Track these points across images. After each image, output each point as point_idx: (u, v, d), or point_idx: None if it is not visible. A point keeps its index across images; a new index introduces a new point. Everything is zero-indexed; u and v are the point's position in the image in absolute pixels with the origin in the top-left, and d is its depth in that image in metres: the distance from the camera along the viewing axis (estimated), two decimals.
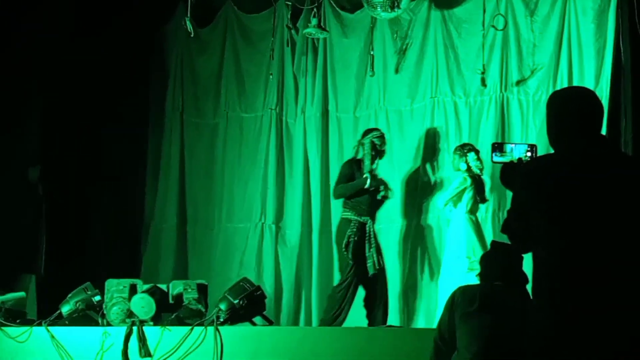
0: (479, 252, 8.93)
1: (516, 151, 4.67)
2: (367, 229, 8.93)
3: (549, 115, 4.26)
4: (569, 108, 4.20)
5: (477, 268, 8.69)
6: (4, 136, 9.91)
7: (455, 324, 5.52)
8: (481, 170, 9.19)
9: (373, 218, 9.08)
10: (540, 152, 4.70)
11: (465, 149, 9.21)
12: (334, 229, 10.19)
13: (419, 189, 9.93)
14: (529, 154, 4.65)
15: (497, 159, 4.66)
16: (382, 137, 9.14)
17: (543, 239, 4.04)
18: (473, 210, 9.16)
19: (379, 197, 9.09)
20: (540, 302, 4.02)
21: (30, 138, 10.32)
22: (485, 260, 5.86)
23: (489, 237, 9.46)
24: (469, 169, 9.14)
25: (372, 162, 9.02)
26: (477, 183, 9.19)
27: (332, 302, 9.05)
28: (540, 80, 9.52)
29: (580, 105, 4.19)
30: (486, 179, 9.52)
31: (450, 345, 5.56)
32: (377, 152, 9.06)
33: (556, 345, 3.89)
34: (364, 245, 8.91)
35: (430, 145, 9.93)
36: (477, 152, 9.22)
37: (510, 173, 4.47)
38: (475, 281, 8.73)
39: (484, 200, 9.28)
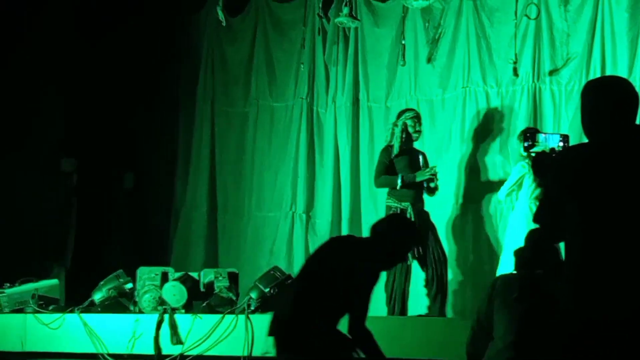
0: None
1: (549, 141, 4.66)
2: (408, 215, 8.57)
3: (583, 104, 4.24)
4: (604, 97, 4.17)
5: None
6: (36, 124, 9.98)
7: (494, 312, 5.51)
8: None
9: (417, 202, 8.70)
10: (573, 142, 4.68)
11: (527, 133, 9.01)
12: (363, 218, 10.21)
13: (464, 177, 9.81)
14: (561, 143, 4.64)
15: (532, 143, 4.65)
16: (415, 117, 8.84)
17: (576, 229, 4.03)
18: (537, 196, 8.96)
19: (431, 185, 8.75)
20: (569, 290, 4.02)
21: (58, 126, 10.39)
22: (521, 250, 5.84)
23: None
24: (529, 156, 8.97)
25: (404, 145, 8.78)
26: None
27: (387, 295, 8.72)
28: (573, 70, 9.43)
29: (616, 94, 4.16)
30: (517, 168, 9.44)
31: (487, 332, 5.54)
32: (408, 134, 8.78)
33: (577, 311, 3.90)
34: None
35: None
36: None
37: (543, 162, 4.45)
38: None
39: None
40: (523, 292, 5.46)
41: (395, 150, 8.73)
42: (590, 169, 4.04)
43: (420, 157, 8.94)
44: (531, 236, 5.79)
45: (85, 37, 10.41)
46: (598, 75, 9.19)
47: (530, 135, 4.67)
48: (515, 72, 9.38)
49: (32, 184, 10.10)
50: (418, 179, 8.64)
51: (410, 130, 8.79)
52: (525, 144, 4.70)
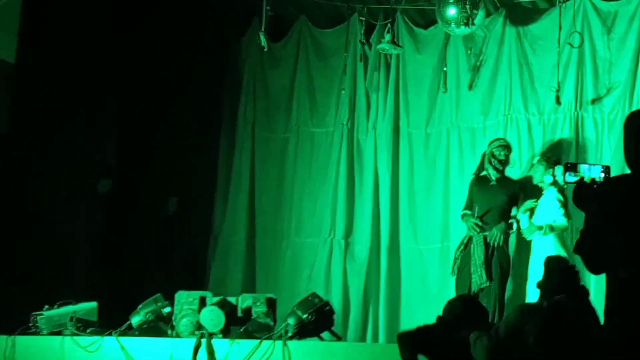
0: None
1: (590, 171, 4.61)
2: (471, 244, 8.90)
3: (626, 134, 4.19)
4: None
5: None
6: (82, 147, 10.06)
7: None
8: (565, 186, 9.01)
9: (486, 230, 8.96)
10: (615, 172, 4.63)
11: (552, 160, 9.05)
12: (402, 245, 10.18)
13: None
14: (602, 174, 4.59)
15: (570, 178, 4.62)
16: (501, 147, 9.11)
17: (622, 260, 3.97)
18: (528, 209, 9.01)
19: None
20: (614, 322, 3.95)
21: (106, 149, 10.46)
22: (543, 277, 5.79)
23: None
24: (554, 182, 8.95)
25: (493, 173, 9.00)
26: (566, 199, 8.92)
27: None
28: (616, 99, 9.36)
29: None
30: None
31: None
32: (495, 165, 9.04)
33: None
34: (469, 261, 8.89)
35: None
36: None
37: (584, 193, 4.41)
38: None
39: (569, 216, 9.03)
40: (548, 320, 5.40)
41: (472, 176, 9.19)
42: (634, 200, 3.98)
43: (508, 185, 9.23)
44: (551, 263, 5.75)
45: (127, 61, 10.48)
46: None
47: (571, 166, 4.63)
48: (558, 100, 9.32)
49: (72, 205, 10.16)
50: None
51: (493, 160, 9.11)
52: (567, 175, 4.65)
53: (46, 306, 8.50)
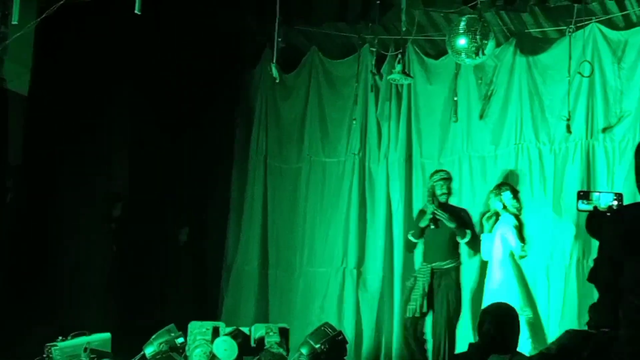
0: (524, 300, 8.89)
1: (602, 199, 4.63)
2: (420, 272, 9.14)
3: (637, 163, 4.20)
4: None
5: (525, 315, 8.65)
6: (94, 177, 10.09)
7: None
8: (519, 210, 9.21)
9: (429, 263, 9.16)
10: (627, 200, 4.64)
11: (501, 188, 9.19)
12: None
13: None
14: (615, 202, 4.61)
15: (582, 206, 4.64)
16: (443, 179, 9.27)
17: (636, 288, 3.97)
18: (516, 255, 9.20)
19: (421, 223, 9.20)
20: (626, 350, 3.95)
21: (119, 180, 10.49)
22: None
23: (572, 287, 9.33)
24: (504, 208, 9.09)
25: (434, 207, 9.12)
26: (520, 223, 9.23)
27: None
28: (626, 127, 9.38)
29: None
30: (569, 225, 9.41)
31: None
32: (436, 197, 9.21)
33: None
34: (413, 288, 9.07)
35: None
36: (515, 191, 9.20)
37: (597, 221, 4.43)
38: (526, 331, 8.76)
39: (523, 240, 9.23)
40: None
41: (427, 216, 9.21)
42: None
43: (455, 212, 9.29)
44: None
45: (140, 93, 10.54)
46: None
47: (583, 194, 4.65)
48: (569, 129, 9.33)
49: (85, 235, 10.18)
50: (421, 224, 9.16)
51: (437, 192, 9.24)
52: (579, 203, 4.68)
53: (60, 337, 8.50)
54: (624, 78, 9.42)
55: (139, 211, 10.65)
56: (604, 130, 9.47)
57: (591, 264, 8.92)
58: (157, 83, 10.61)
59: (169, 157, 10.94)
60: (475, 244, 9.32)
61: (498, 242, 9.13)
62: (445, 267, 9.12)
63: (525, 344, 8.41)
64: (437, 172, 9.43)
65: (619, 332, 4.06)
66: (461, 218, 9.25)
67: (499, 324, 5.58)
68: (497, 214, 9.24)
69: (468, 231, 9.21)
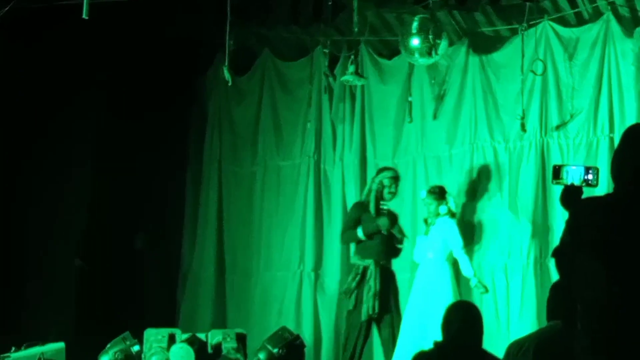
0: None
1: (575, 174, 4.62)
2: (369, 272, 8.86)
3: (615, 151, 4.18)
4: (629, 144, 4.10)
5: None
6: (55, 187, 10.02)
7: None
8: (455, 214, 9.27)
9: (381, 260, 8.97)
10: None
11: (445, 193, 9.19)
12: None
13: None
14: (589, 176, 4.59)
15: (556, 181, 4.62)
16: (393, 177, 9.11)
17: (591, 280, 3.93)
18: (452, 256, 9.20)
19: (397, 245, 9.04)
20: (584, 344, 3.92)
21: (80, 188, 10.41)
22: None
23: (530, 286, 9.35)
24: (449, 211, 9.12)
25: (377, 205, 8.98)
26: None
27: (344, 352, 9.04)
28: (580, 124, 9.42)
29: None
30: (525, 224, 9.43)
31: None
32: (382, 197, 9.04)
33: None
34: (363, 290, 8.90)
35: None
36: (452, 196, 9.30)
37: (571, 196, 4.42)
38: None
39: None
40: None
41: (372, 211, 8.98)
42: (611, 222, 3.94)
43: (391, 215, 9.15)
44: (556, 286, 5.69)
45: (91, 99, 10.45)
46: (606, 128, 9.23)
47: (558, 168, 4.64)
48: (523, 127, 9.37)
49: (42, 243, 10.09)
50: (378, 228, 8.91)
51: (385, 190, 9.05)
52: (553, 178, 4.67)
53: (13, 348, 8.39)
54: (577, 75, 9.46)
55: (99, 218, 10.55)
56: (558, 127, 9.50)
57: (549, 262, 9.04)
58: (113, 90, 10.51)
59: (127, 163, 10.84)
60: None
61: (436, 245, 9.09)
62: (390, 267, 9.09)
63: None
64: (386, 169, 9.28)
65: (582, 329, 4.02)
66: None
67: (469, 322, 5.53)
68: (437, 216, 9.21)
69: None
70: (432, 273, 9.04)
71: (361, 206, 9.14)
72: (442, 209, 9.17)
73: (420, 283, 9.09)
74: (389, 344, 8.90)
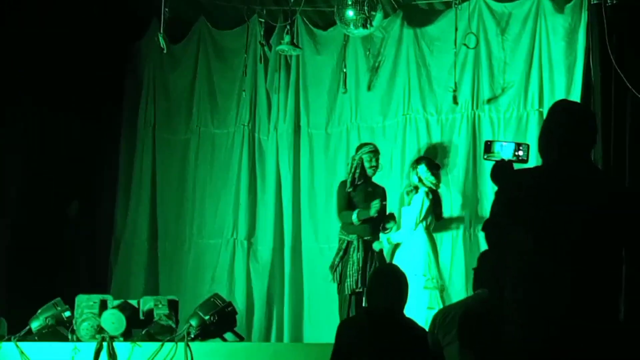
0: (434, 270, 8.96)
1: (506, 149, 4.71)
2: (351, 248, 8.90)
3: (543, 124, 4.28)
4: (554, 120, 4.20)
5: (432, 286, 8.74)
6: None
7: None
8: (435, 184, 9.18)
9: (366, 235, 8.97)
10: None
11: (418, 162, 9.24)
12: (304, 245, 10.24)
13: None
14: (520, 152, 4.68)
15: (488, 156, 4.71)
16: (372, 152, 9.08)
17: (518, 251, 4.03)
18: (431, 227, 9.19)
19: (373, 213, 8.93)
20: (509, 313, 4.02)
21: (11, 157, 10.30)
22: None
23: (459, 255, 9.49)
24: (420, 182, 9.15)
25: (358, 180, 9.00)
26: (434, 198, 9.19)
27: None
28: (511, 98, 9.56)
29: (568, 121, 4.18)
30: (456, 195, 9.55)
31: None
32: (363, 169, 9.01)
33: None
34: (347, 264, 8.92)
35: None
36: (434, 165, 9.24)
37: (498, 172, 4.51)
38: (427, 300, 8.83)
39: (440, 217, 9.27)
40: (462, 329, 5.40)
41: (348, 185, 8.98)
42: (538, 195, 4.04)
43: (379, 191, 9.13)
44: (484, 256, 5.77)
45: (27, 62, 10.33)
46: (536, 103, 9.37)
47: (490, 143, 4.73)
48: (455, 100, 9.50)
49: None
50: (372, 214, 8.83)
51: (366, 165, 9.02)
52: (485, 153, 4.76)
53: None
54: (508, 49, 9.60)
55: (31, 187, 10.47)
56: (489, 101, 9.64)
57: (479, 232, 9.17)
58: (45, 57, 10.39)
59: (59, 132, 10.74)
60: None
61: (414, 215, 9.14)
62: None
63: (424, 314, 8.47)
64: (365, 144, 9.23)
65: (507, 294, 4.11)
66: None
67: (392, 286, 5.55)
68: (416, 188, 9.22)
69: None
70: (409, 244, 9.07)
71: (345, 183, 9.13)
72: (414, 179, 9.22)
73: (399, 254, 9.15)
74: None
